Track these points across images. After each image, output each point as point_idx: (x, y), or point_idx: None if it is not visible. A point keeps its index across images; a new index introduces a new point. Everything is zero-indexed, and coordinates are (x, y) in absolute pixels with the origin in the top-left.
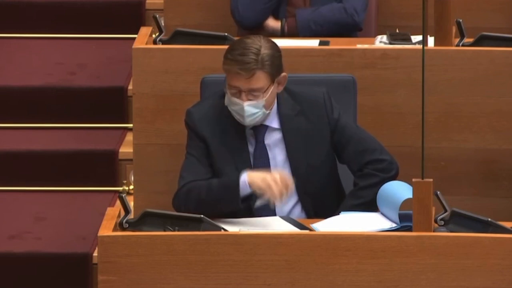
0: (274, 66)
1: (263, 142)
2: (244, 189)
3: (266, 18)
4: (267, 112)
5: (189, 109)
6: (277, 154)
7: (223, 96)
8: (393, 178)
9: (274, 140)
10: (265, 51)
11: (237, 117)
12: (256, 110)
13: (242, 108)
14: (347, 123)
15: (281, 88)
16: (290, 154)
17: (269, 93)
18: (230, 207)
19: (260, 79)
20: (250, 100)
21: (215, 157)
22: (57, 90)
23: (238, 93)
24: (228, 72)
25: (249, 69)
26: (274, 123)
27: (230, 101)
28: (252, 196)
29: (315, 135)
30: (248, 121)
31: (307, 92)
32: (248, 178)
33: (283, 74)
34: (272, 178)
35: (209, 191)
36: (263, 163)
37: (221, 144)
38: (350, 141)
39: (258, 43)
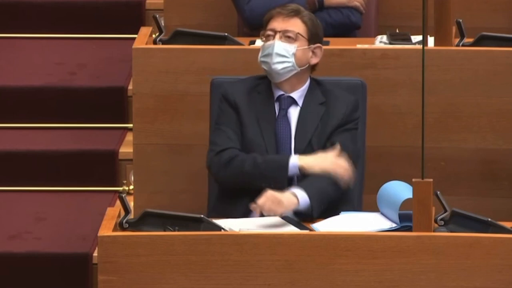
0: (313, 26)
1: (287, 110)
2: (292, 171)
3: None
4: (298, 70)
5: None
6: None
7: (252, 78)
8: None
9: (292, 116)
10: (305, 12)
11: (266, 60)
12: (285, 53)
13: (273, 45)
14: (352, 136)
15: (314, 61)
16: (297, 133)
17: (302, 47)
18: (275, 185)
19: (297, 25)
20: (283, 41)
21: (244, 123)
22: (57, 90)
23: (273, 35)
24: (267, 20)
25: (289, 11)
26: (300, 100)
27: (263, 48)
28: (293, 179)
29: (328, 127)
30: (276, 61)
31: (338, 91)
32: (301, 162)
33: (319, 45)
34: (336, 162)
35: (256, 165)
36: (285, 131)
37: (250, 112)
38: (334, 144)
39: (297, 6)
